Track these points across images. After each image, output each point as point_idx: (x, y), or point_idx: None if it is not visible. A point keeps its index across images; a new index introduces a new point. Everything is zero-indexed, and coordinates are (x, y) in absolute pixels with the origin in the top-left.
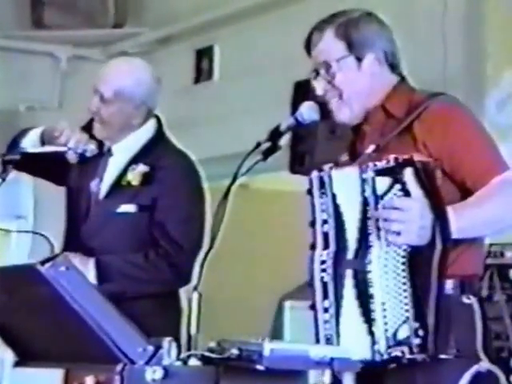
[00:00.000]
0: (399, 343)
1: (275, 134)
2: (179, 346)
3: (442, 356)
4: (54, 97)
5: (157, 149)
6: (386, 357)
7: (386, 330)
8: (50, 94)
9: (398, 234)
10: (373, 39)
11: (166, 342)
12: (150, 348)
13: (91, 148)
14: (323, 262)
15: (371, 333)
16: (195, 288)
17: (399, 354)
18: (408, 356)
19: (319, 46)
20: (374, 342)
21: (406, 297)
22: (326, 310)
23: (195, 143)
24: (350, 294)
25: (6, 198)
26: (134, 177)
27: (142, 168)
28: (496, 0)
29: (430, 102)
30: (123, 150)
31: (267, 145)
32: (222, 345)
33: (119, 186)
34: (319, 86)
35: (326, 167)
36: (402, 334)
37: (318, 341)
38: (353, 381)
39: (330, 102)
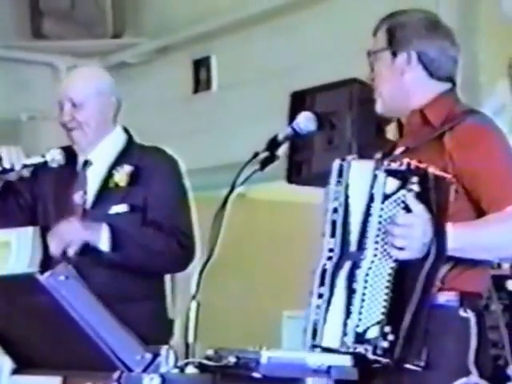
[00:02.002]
0: (366, 341)
1: (273, 144)
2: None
3: (408, 366)
4: (55, 106)
5: (134, 150)
6: (350, 350)
7: (357, 326)
8: (50, 103)
9: (401, 249)
10: (411, 40)
11: (164, 349)
12: (148, 356)
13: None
14: (331, 250)
15: (345, 324)
16: (193, 297)
17: (362, 351)
18: (370, 356)
19: (376, 36)
20: (344, 334)
21: (385, 300)
22: (320, 296)
23: (194, 153)
24: (341, 284)
25: None
26: (121, 178)
27: (127, 168)
28: (488, 11)
29: (466, 117)
30: (101, 156)
31: (265, 155)
32: (219, 353)
33: (107, 189)
34: (368, 75)
35: (350, 157)
36: (371, 334)
37: (305, 327)
38: None
39: (374, 91)
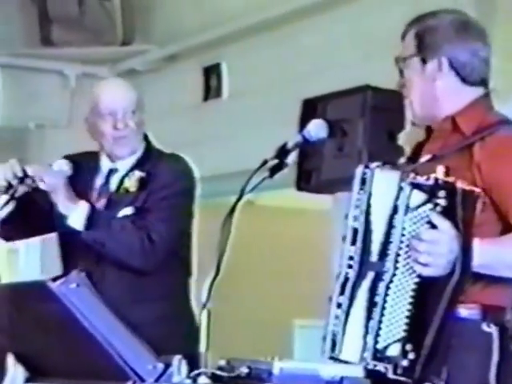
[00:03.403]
0: (386, 359)
1: (282, 152)
2: (189, 364)
3: None
4: (63, 114)
5: (151, 157)
6: (370, 367)
7: (377, 342)
8: (59, 111)
9: (425, 265)
10: (441, 45)
11: (176, 359)
12: (160, 365)
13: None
14: (351, 258)
15: (365, 339)
16: (204, 306)
17: (382, 369)
18: (391, 375)
19: (404, 41)
20: (364, 349)
21: (407, 316)
22: (339, 306)
23: (203, 160)
24: (363, 296)
25: None
26: (131, 183)
27: (137, 174)
28: (502, 16)
29: (498, 128)
30: (127, 163)
31: (274, 162)
32: (231, 363)
33: (117, 195)
34: (398, 81)
35: (373, 165)
36: (392, 352)
37: (324, 336)
38: None
39: (405, 98)
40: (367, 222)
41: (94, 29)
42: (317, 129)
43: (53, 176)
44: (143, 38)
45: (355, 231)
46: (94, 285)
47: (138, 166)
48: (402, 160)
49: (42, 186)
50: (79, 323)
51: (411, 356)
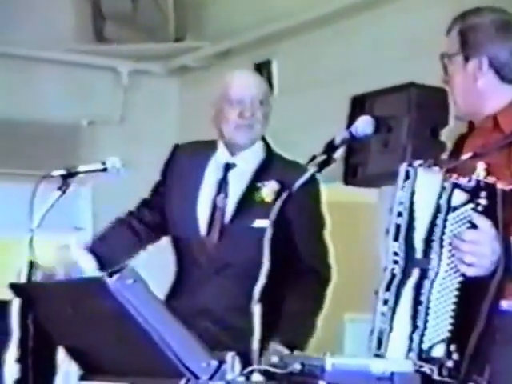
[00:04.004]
0: (431, 359)
1: (330, 147)
2: (243, 361)
3: None
4: (116, 111)
5: (276, 161)
6: (416, 368)
7: (423, 342)
8: (111, 108)
9: (470, 265)
10: (483, 44)
11: (230, 356)
12: (214, 363)
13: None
14: (396, 254)
15: (411, 339)
16: (257, 301)
17: (427, 371)
18: (436, 377)
19: (449, 37)
20: (410, 349)
21: (452, 316)
22: (385, 302)
23: None
24: (408, 294)
25: (65, 209)
26: (267, 194)
27: (274, 185)
28: None
29: None
30: (246, 161)
31: (322, 157)
32: (284, 360)
33: (252, 202)
34: (443, 77)
35: (416, 163)
36: (437, 352)
37: (372, 330)
38: None
39: (450, 93)
40: (411, 219)
41: (147, 25)
42: (364, 125)
43: None
44: (195, 35)
45: (398, 227)
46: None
47: (264, 170)
48: (444, 156)
49: None
50: (134, 319)
51: (455, 357)
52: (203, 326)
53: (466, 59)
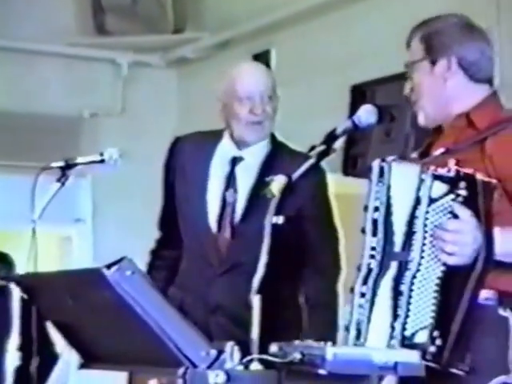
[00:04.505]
0: (414, 345)
1: (330, 138)
2: (242, 350)
3: (453, 370)
4: (117, 103)
5: (283, 153)
6: None
7: (405, 329)
8: (112, 100)
9: (451, 254)
10: (450, 45)
11: (229, 346)
12: (213, 352)
13: None
14: (373, 249)
15: (392, 327)
16: (256, 292)
17: None
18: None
19: (410, 48)
20: (391, 337)
21: (434, 304)
22: (362, 295)
23: None
24: (387, 285)
25: (65, 201)
26: (277, 188)
27: (282, 179)
28: None
29: (510, 124)
30: (253, 155)
31: (321, 148)
32: (284, 349)
33: (262, 198)
34: (406, 87)
35: (390, 158)
36: (420, 338)
37: (347, 326)
38: None
39: (412, 103)
40: (388, 214)
41: (146, 17)
42: (367, 114)
43: None
44: (194, 26)
45: (375, 222)
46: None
47: (271, 162)
48: (414, 155)
49: None
50: (132, 310)
51: (438, 342)
52: (217, 322)
53: (433, 62)
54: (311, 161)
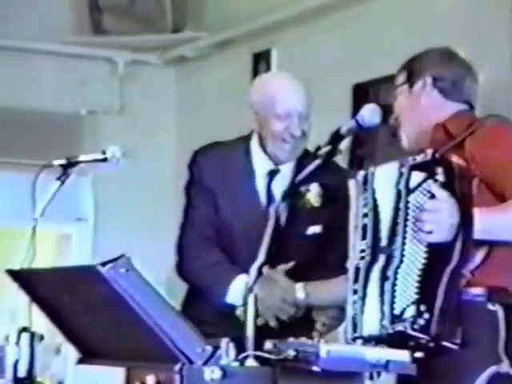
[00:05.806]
0: (404, 320)
1: (336, 138)
2: (238, 347)
3: (444, 343)
4: (115, 101)
5: (309, 159)
6: (390, 331)
7: (394, 309)
8: (109, 98)
9: (430, 232)
10: (427, 67)
11: (224, 342)
12: (209, 348)
13: None
14: (363, 251)
15: (382, 310)
16: (250, 290)
17: (401, 328)
18: (410, 331)
19: (396, 81)
20: (382, 319)
21: (418, 281)
22: (354, 292)
23: None
24: (376, 276)
25: (66, 200)
26: (314, 199)
27: (316, 188)
28: None
29: (484, 121)
30: (287, 165)
31: (327, 148)
32: (278, 346)
33: (301, 208)
34: (392, 116)
35: (372, 167)
36: (408, 313)
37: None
38: None
39: (398, 130)
40: (376, 216)
41: (145, 16)
42: (370, 113)
43: None
44: (194, 25)
45: (364, 227)
46: None
47: (299, 172)
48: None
49: None
50: (129, 306)
51: (426, 316)
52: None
53: (411, 85)
54: (317, 161)
